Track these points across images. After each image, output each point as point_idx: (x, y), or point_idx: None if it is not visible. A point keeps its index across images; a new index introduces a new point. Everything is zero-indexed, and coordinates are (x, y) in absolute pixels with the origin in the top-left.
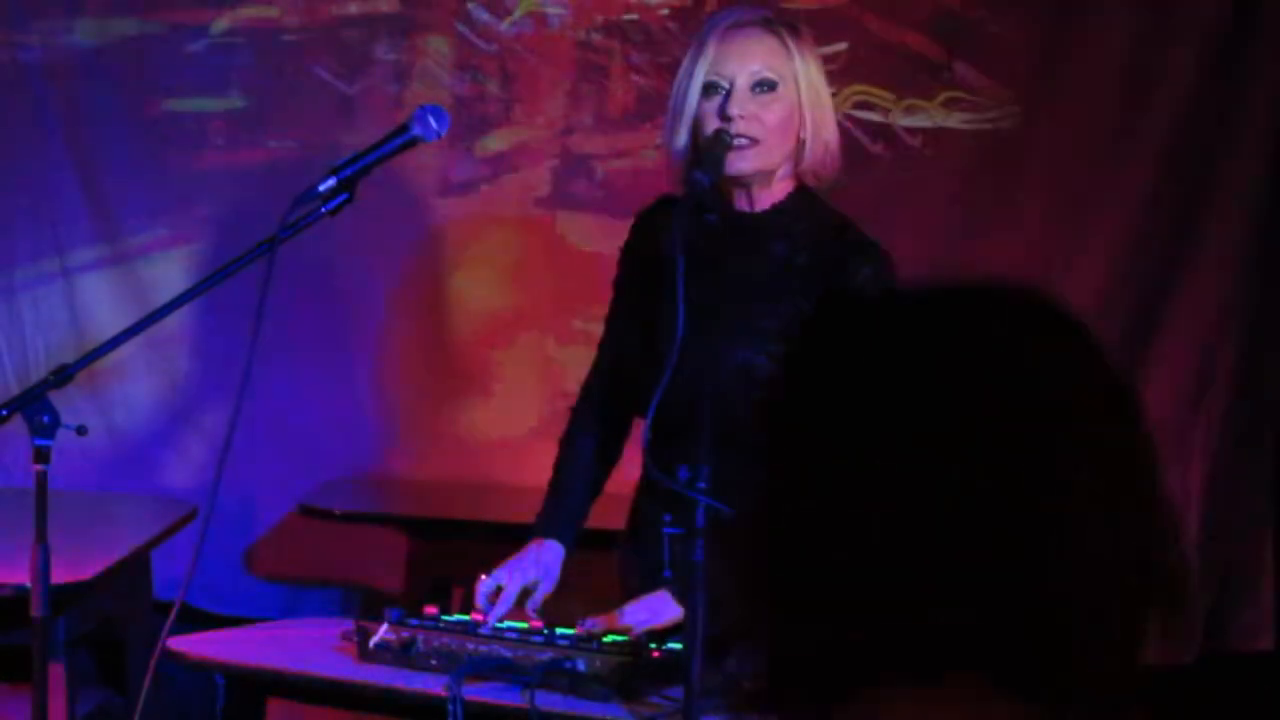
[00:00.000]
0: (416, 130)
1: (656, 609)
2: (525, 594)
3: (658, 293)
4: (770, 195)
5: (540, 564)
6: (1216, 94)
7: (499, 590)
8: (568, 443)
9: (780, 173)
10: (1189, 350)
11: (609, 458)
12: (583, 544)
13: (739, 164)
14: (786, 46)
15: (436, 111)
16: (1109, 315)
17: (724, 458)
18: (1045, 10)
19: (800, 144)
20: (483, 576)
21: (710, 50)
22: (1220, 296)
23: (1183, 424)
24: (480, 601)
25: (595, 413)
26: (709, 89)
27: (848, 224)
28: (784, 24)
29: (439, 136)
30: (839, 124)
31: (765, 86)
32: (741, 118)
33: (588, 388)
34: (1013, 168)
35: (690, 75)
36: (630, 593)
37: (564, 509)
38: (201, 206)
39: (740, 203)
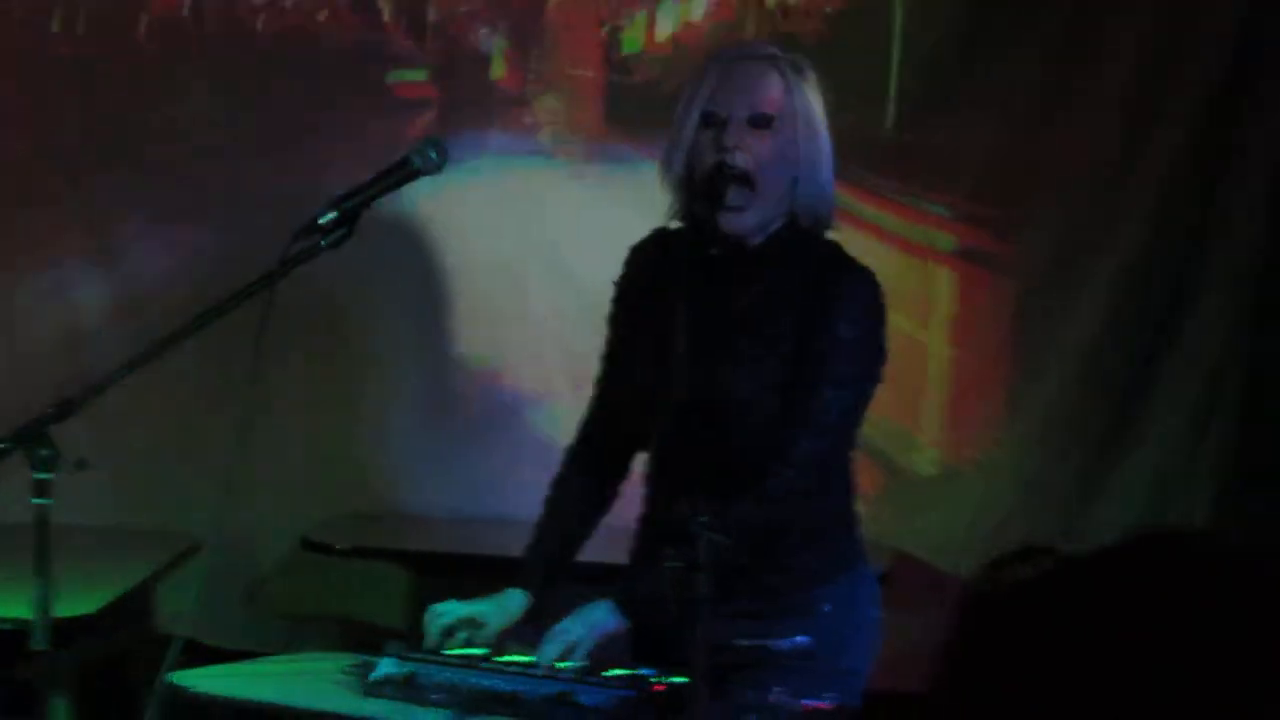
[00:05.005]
0: (416, 163)
1: (594, 619)
2: (474, 626)
3: (655, 327)
4: (763, 231)
5: (494, 603)
6: (1219, 125)
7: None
8: (557, 485)
9: (777, 215)
10: (1195, 377)
11: (604, 497)
12: (586, 579)
13: (735, 224)
14: (787, 83)
15: (437, 144)
16: (1115, 336)
17: (718, 486)
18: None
19: (795, 182)
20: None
21: (711, 80)
22: (1226, 322)
23: (1189, 452)
24: (426, 620)
25: (592, 452)
26: (706, 119)
27: (838, 251)
28: (788, 62)
29: (439, 169)
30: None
31: (762, 121)
32: (737, 149)
33: (586, 426)
34: (1020, 192)
35: (689, 105)
36: (636, 629)
37: (539, 555)
38: (204, 235)
39: (733, 240)
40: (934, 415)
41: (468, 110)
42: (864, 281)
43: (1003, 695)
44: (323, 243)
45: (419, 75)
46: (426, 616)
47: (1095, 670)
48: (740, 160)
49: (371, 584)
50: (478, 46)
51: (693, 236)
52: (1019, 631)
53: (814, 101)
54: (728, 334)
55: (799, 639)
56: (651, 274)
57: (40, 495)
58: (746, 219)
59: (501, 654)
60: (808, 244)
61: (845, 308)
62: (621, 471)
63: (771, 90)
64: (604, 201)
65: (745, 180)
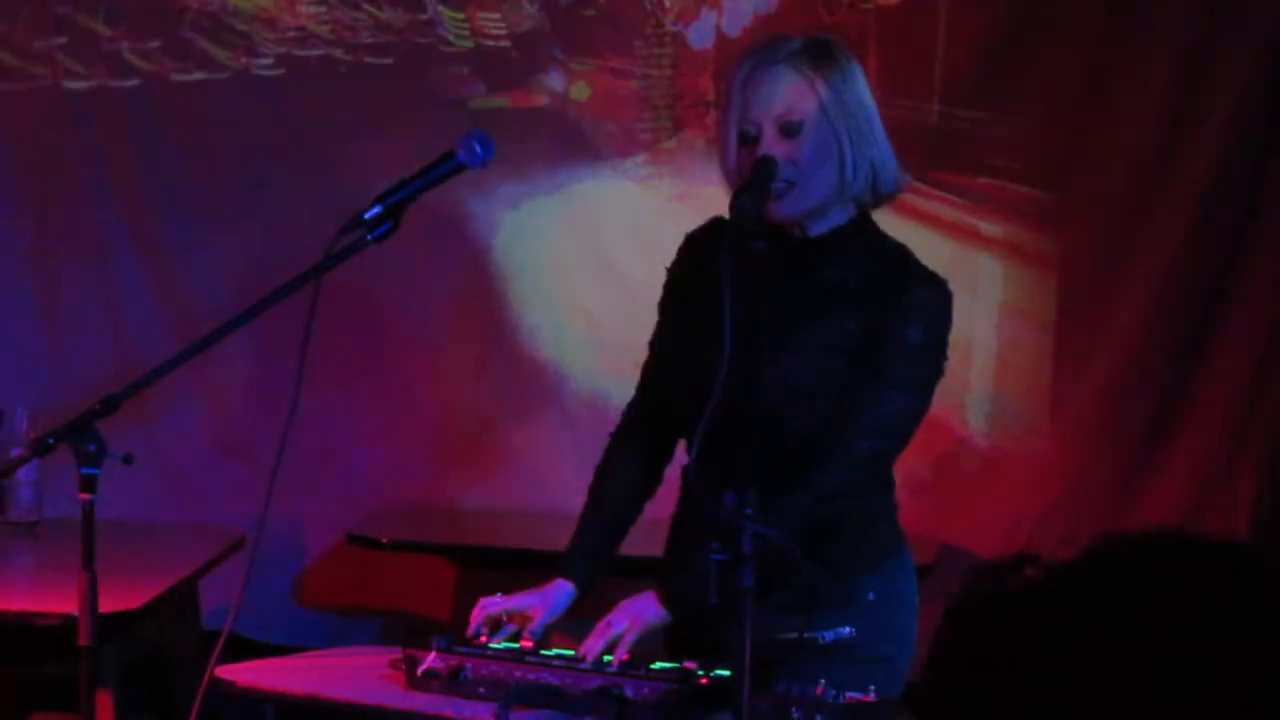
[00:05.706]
0: (461, 157)
1: (638, 612)
2: (521, 619)
3: (704, 315)
4: (826, 222)
5: (541, 596)
6: (1265, 112)
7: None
8: (602, 474)
9: (831, 202)
10: (1239, 372)
11: (648, 486)
12: (625, 573)
13: (781, 211)
14: (810, 81)
15: (483, 138)
16: (1158, 329)
17: (765, 478)
18: (1088, 43)
19: (844, 171)
20: (498, 597)
21: (738, 98)
22: (1271, 316)
23: (1232, 447)
24: (474, 614)
25: (636, 440)
26: (743, 139)
27: (908, 254)
28: (808, 54)
29: (484, 164)
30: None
31: (792, 129)
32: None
33: (630, 414)
34: (1065, 181)
35: (725, 127)
36: (677, 622)
37: (583, 547)
38: (251, 232)
39: (792, 230)
40: (979, 407)
41: (516, 103)
42: (936, 288)
43: (979, 702)
44: (368, 237)
45: (463, 70)
46: (473, 610)
47: (1067, 680)
48: (783, 173)
49: (417, 578)
50: (525, 34)
51: (742, 232)
52: (994, 641)
53: (843, 84)
54: (789, 324)
55: (843, 630)
56: (706, 262)
57: (86, 490)
58: (793, 203)
59: (548, 647)
60: (876, 242)
61: (917, 314)
62: (665, 458)
63: (794, 95)
64: (653, 197)
65: (790, 185)
